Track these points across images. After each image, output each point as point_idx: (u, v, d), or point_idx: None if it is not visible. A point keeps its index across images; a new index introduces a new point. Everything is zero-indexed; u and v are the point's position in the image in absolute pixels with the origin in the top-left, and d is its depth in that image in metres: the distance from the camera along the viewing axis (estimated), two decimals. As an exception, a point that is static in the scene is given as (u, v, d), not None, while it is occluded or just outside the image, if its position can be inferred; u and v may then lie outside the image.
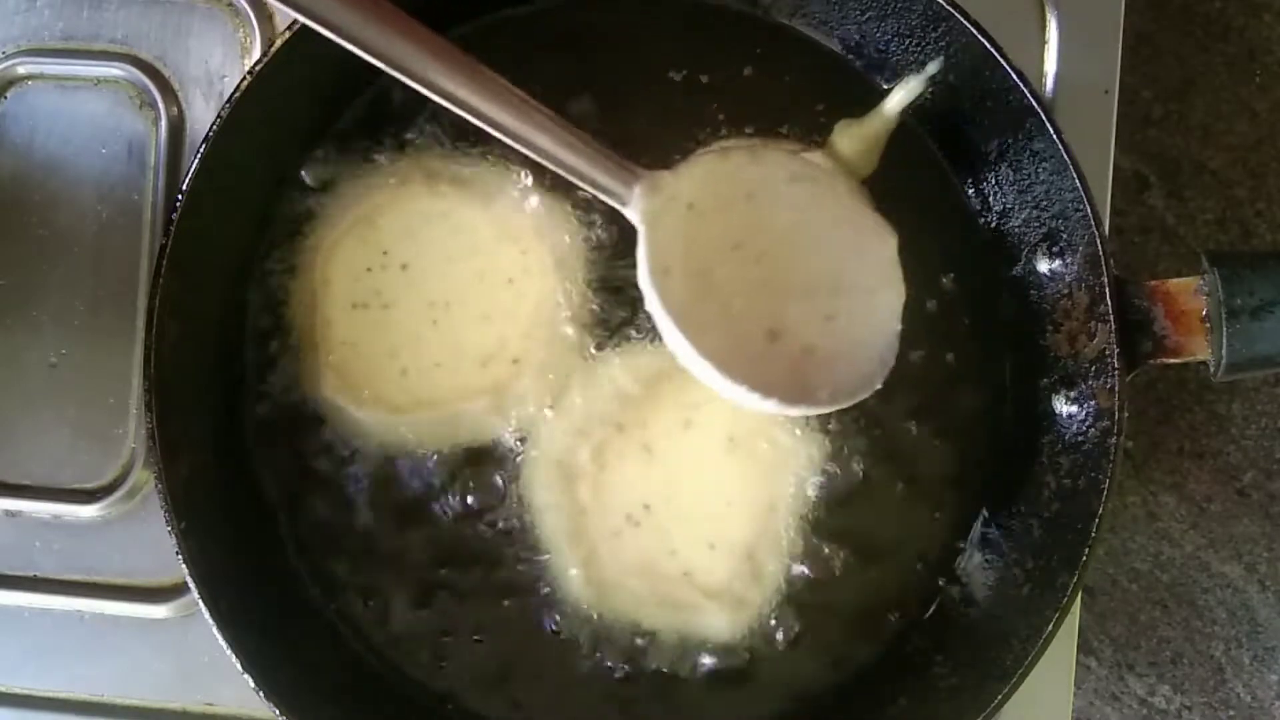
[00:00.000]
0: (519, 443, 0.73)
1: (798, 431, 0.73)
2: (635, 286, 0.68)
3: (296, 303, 0.75)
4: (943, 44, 0.70)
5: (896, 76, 0.74)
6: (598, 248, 0.74)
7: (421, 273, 0.74)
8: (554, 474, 0.73)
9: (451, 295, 0.74)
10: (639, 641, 0.73)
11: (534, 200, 0.74)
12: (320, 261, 0.75)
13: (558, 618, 0.73)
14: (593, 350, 0.74)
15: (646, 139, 0.72)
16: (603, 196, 0.67)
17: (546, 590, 0.73)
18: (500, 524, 0.74)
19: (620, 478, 0.73)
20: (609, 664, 0.73)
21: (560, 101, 0.74)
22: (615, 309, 0.74)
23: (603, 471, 0.73)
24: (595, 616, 0.73)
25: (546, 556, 0.73)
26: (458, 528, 0.74)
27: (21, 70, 0.82)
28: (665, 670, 0.73)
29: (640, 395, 0.73)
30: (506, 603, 0.73)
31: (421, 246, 0.74)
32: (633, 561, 0.73)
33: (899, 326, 0.67)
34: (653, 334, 0.73)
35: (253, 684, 0.65)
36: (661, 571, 0.73)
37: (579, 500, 0.73)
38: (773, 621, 0.73)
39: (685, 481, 0.73)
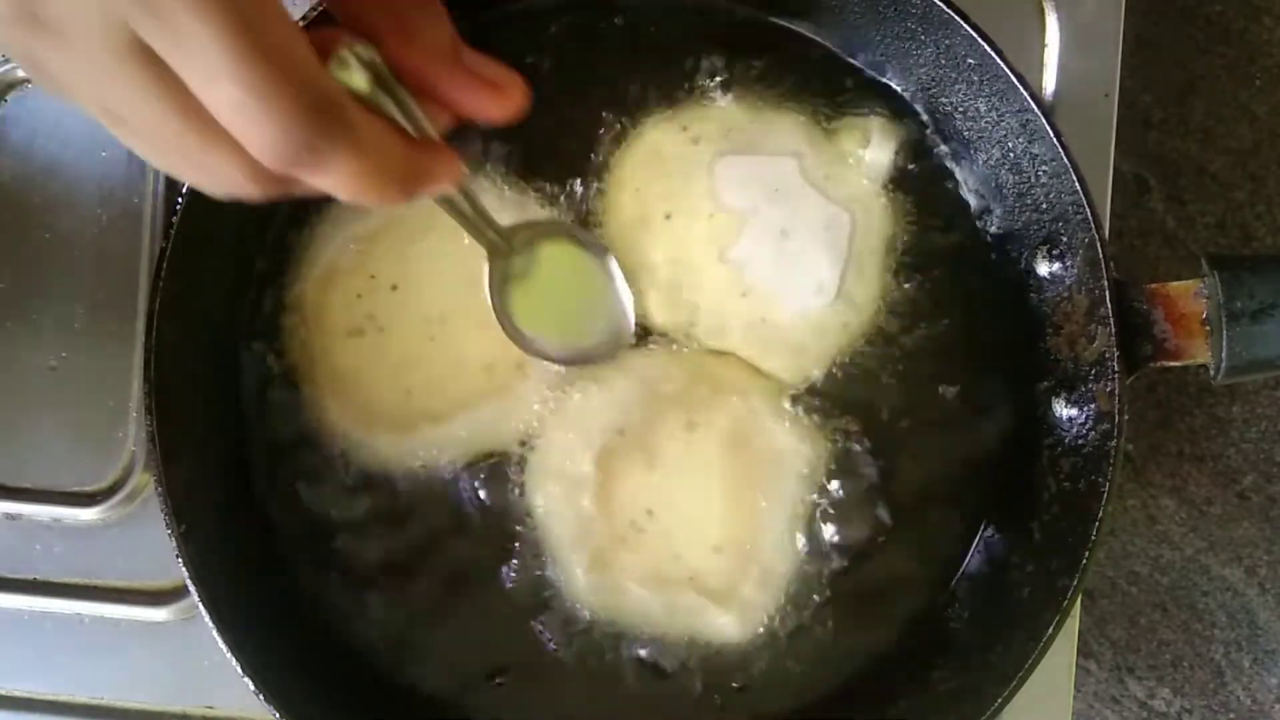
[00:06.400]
0: (523, 446, 0.73)
1: (800, 432, 0.73)
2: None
3: (292, 340, 0.74)
4: (942, 46, 0.70)
5: (898, 77, 0.74)
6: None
7: (413, 290, 0.73)
8: (557, 482, 0.72)
9: (446, 308, 0.73)
10: (644, 647, 0.73)
11: (517, 204, 0.73)
12: (309, 294, 0.74)
13: (564, 625, 0.73)
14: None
15: (647, 142, 0.72)
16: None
17: (552, 597, 0.73)
18: (505, 530, 0.73)
19: (624, 484, 0.72)
20: (616, 670, 0.73)
21: (556, 98, 0.74)
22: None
23: (606, 478, 0.72)
24: (601, 623, 0.73)
25: (551, 564, 0.73)
26: (462, 534, 0.74)
27: (22, 73, 0.82)
28: (670, 673, 0.73)
29: (642, 399, 0.73)
30: (510, 608, 0.73)
31: (409, 264, 0.73)
32: (638, 568, 0.72)
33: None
34: (652, 338, 0.73)
35: (253, 687, 0.65)
36: (667, 577, 0.72)
37: (583, 508, 0.72)
38: (778, 623, 0.73)
39: (689, 485, 0.73)
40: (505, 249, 0.65)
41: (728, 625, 0.72)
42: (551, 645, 0.73)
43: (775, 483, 0.72)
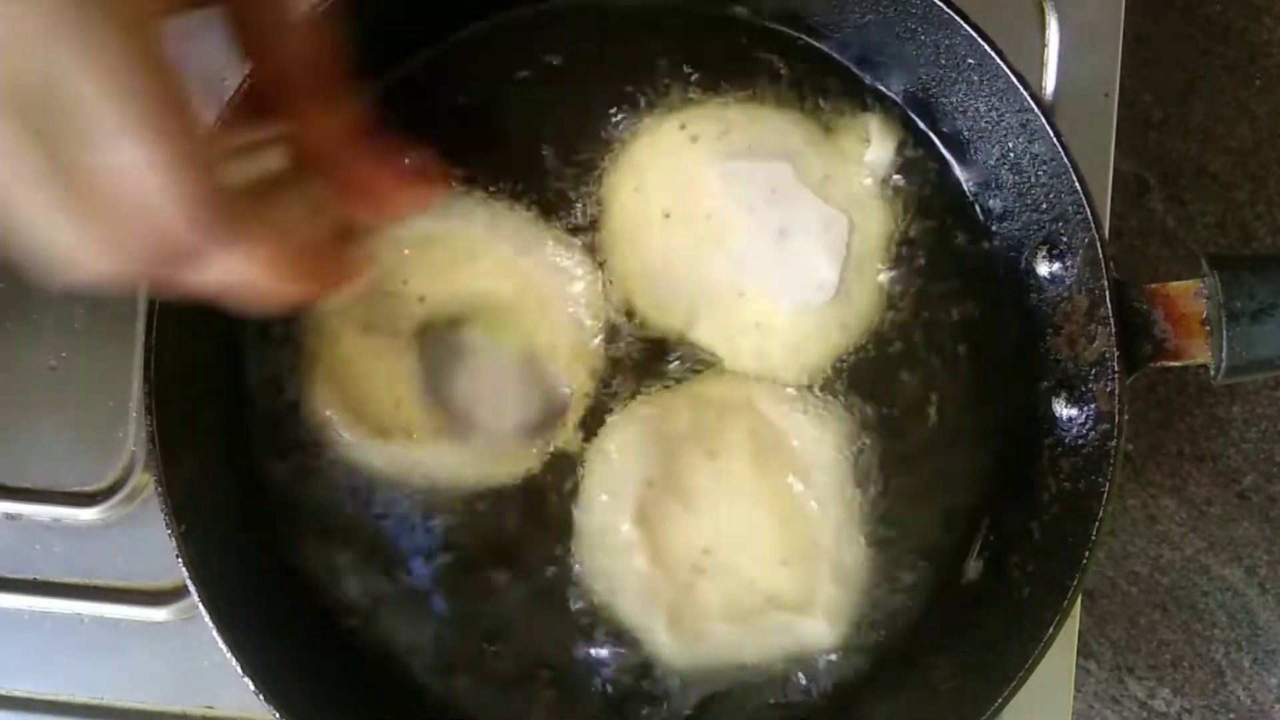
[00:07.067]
0: (520, 479, 0.73)
1: (815, 424, 0.73)
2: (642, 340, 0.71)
3: (308, 313, 0.74)
4: (943, 46, 0.70)
5: (898, 76, 0.74)
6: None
7: (438, 307, 0.73)
8: (605, 548, 0.71)
9: None
10: (735, 681, 0.72)
11: (560, 253, 0.73)
12: None
13: (646, 672, 0.72)
14: (607, 398, 0.73)
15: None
16: None
17: (630, 653, 0.72)
18: (509, 533, 0.73)
19: (670, 533, 0.71)
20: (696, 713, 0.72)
21: (554, 97, 0.74)
22: (629, 357, 0.73)
23: (652, 532, 0.71)
24: (693, 670, 0.71)
25: (629, 628, 0.72)
26: (468, 540, 0.73)
27: (22, 73, 0.82)
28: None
29: (655, 445, 0.72)
30: (523, 615, 0.73)
31: (444, 283, 0.73)
32: (715, 607, 0.71)
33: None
34: (658, 383, 0.73)
35: (253, 687, 0.65)
36: (746, 605, 0.71)
37: (640, 569, 0.71)
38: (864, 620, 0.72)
39: (733, 511, 0.72)
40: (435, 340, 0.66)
41: (820, 632, 0.71)
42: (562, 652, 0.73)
43: (812, 479, 0.72)
